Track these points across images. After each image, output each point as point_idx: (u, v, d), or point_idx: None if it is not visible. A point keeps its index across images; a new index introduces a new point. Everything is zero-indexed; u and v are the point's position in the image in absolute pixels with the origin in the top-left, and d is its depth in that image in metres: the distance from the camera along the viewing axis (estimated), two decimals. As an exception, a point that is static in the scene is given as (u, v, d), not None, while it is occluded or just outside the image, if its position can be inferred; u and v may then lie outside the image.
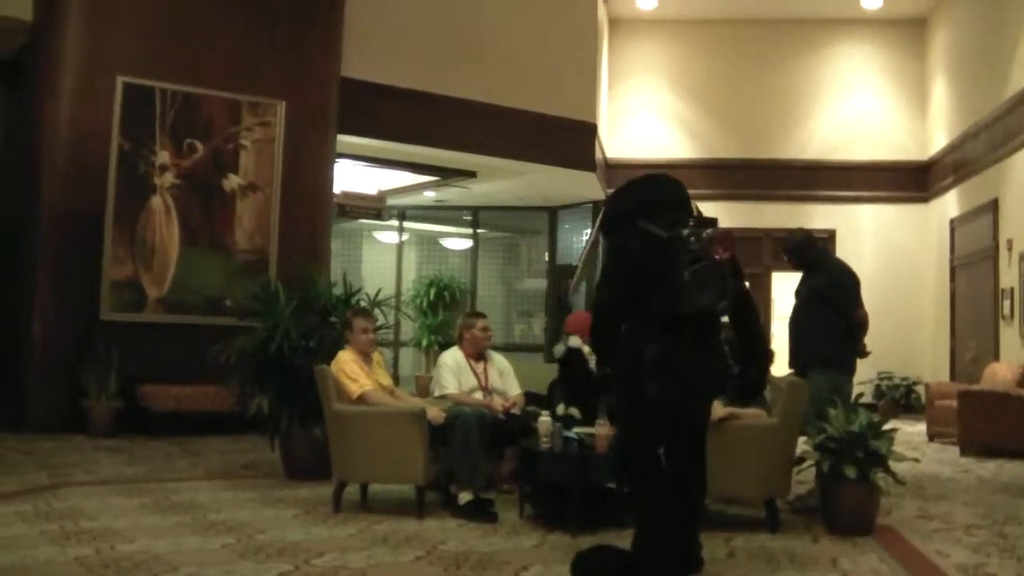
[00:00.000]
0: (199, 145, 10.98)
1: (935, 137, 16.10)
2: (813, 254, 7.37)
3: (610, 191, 16.44)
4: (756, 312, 5.16)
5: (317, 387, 6.69)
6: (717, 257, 4.57)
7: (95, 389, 10.10)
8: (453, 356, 7.30)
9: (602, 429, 6.09)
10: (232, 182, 11.14)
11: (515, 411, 7.07)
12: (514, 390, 7.35)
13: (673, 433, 4.87)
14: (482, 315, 7.65)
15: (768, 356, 5.17)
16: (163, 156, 10.78)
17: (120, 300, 10.56)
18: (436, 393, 7.17)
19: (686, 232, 4.63)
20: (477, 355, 7.33)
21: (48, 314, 10.43)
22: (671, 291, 4.63)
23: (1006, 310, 12.67)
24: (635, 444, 4.92)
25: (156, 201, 10.74)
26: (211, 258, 11.01)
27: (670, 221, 4.69)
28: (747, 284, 5.18)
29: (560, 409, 6.78)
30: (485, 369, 7.30)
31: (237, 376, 8.14)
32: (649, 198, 4.92)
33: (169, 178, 10.80)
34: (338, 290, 8.50)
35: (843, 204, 16.43)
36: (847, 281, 7.18)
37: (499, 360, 7.51)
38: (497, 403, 7.05)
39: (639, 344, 4.79)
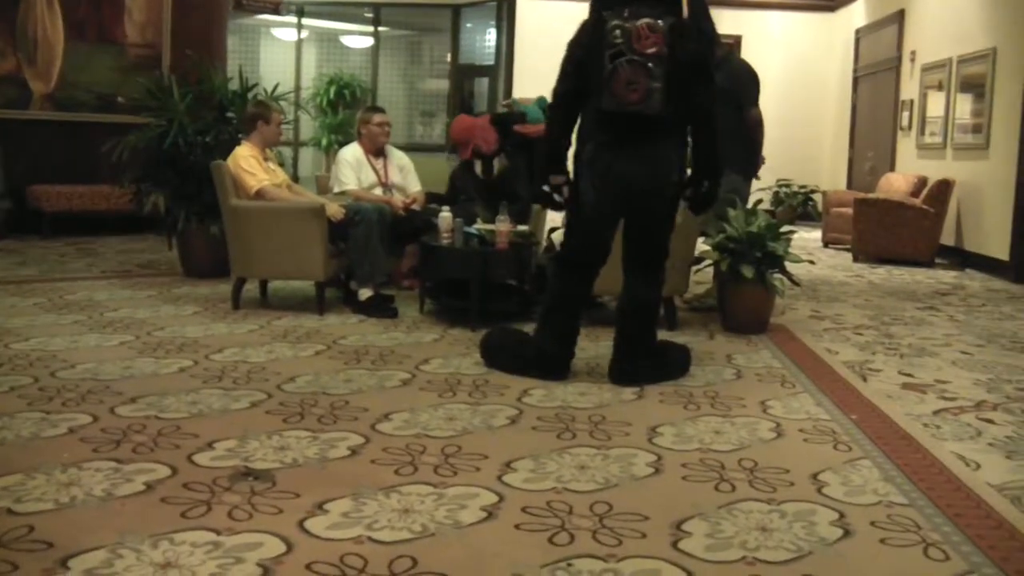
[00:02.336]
0: (81, -71, 10.32)
1: (846, -57, 15.90)
2: (714, 53, 7.20)
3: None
4: (712, 123, 4.75)
5: (214, 183, 6.53)
6: (644, 51, 4.37)
7: (-20, 189, 9.75)
8: (352, 152, 7.15)
9: (503, 225, 6.06)
10: (120, -29, 10.55)
11: (415, 208, 7.00)
12: (415, 187, 7.27)
13: (602, 234, 4.84)
14: (380, 109, 7.48)
15: (718, 171, 4.86)
16: (41, -59, 10.12)
17: (2, 96, 10.04)
18: (336, 190, 7.06)
19: (612, 23, 4.42)
20: (376, 151, 7.19)
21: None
22: (598, 86, 4.50)
23: (905, 121, 12.82)
24: (568, 236, 4.95)
25: (37, -10, 10.13)
26: (100, 52, 10.49)
27: (623, 10, 4.44)
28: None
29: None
30: (385, 165, 7.19)
31: (131, 174, 7.89)
32: None
33: (50, -35, 10.17)
34: (234, 85, 8.20)
35: (750, 10, 16.17)
36: (746, 78, 7.07)
37: (399, 156, 7.38)
38: (397, 199, 6.96)
39: (583, 140, 4.75)
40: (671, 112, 4.51)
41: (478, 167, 7.49)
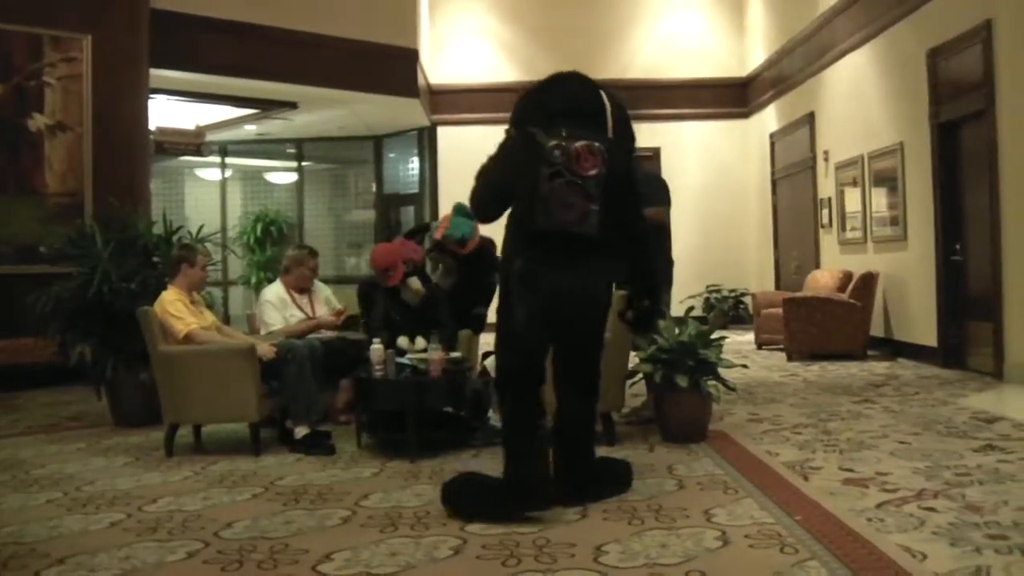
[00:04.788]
0: (-4, 84, 10.31)
1: (753, 53, 16.44)
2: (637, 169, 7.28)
3: (434, 117, 16.33)
4: (647, 240, 4.82)
5: (142, 330, 6.45)
6: (584, 173, 4.35)
7: (-103, 351, 9.49)
8: (275, 292, 7.17)
9: (436, 354, 6.05)
10: (38, 122, 10.51)
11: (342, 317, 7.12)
12: (338, 305, 7.41)
13: (537, 353, 4.73)
14: (314, 253, 7.51)
15: (656, 288, 4.88)
16: (-44, 96, 10.10)
17: (-81, 254, 9.89)
18: (263, 332, 7.03)
19: (551, 144, 4.36)
20: (300, 289, 7.20)
21: None
22: (532, 204, 4.43)
23: (825, 219, 13.14)
24: (502, 359, 4.80)
25: (-48, 145, 10.08)
26: (20, 204, 10.38)
27: (560, 130, 4.40)
28: (652, 211, 4.85)
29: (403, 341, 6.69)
30: (311, 300, 7.23)
31: (56, 325, 7.76)
32: (543, 102, 4.64)
33: (-35, 120, 10.14)
34: (158, 229, 8.17)
35: (667, 122, 16.57)
36: (654, 181, 7.10)
37: (322, 289, 7.49)
38: (324, 315, 7.04)
39: (510, 257, 4.67)
40: (602, 230, 4.49)
41: (408, 292, 7.27)
